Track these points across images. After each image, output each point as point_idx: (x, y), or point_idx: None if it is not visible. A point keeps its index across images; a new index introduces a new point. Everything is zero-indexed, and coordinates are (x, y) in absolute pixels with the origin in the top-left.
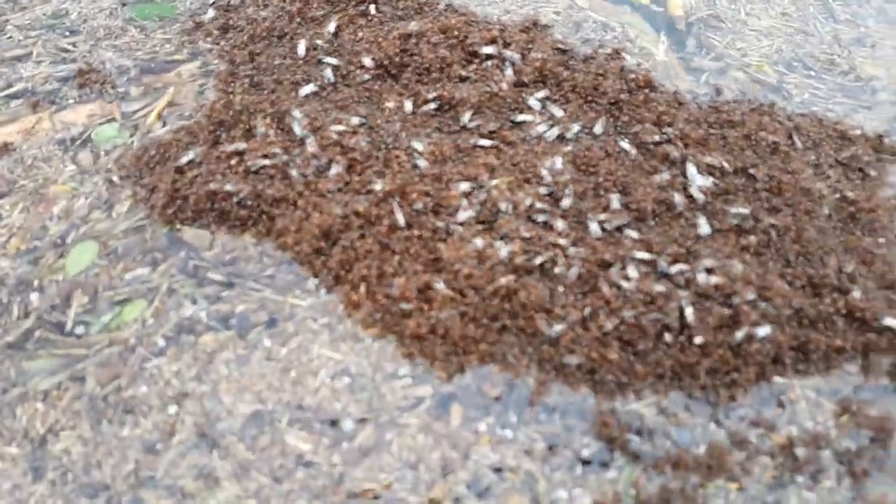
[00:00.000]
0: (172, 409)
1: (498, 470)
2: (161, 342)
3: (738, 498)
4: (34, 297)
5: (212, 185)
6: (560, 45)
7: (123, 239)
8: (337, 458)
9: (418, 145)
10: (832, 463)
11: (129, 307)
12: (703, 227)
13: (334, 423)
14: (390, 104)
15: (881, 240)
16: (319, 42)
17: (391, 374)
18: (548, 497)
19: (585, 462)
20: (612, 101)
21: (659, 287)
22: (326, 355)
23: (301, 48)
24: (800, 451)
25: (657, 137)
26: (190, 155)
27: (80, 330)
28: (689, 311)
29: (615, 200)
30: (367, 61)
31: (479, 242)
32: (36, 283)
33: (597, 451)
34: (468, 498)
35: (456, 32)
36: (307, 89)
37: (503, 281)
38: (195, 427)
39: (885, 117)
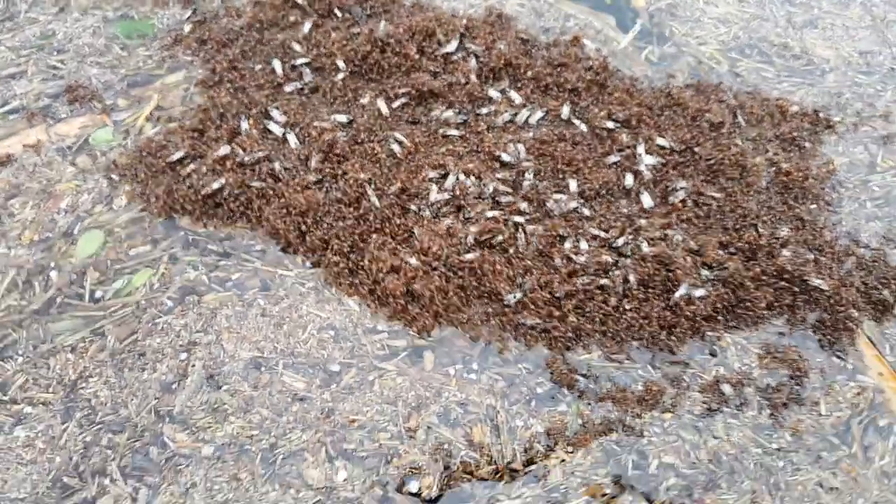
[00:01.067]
0: (183, 355)
1: (464, 404)
2: (168, 302)
3: (672, 425)
4: (53, 274)
5: (203, 188)
6: (522, 36)
7: (125, 228)
8: (327, 395)
9: (394, 136)
10: (754, 397)
11: (137, 275)
12: (647, 201)
13: (323, 367)
14: (364, 100)
15: (812, 206)
16: (295, 47)
17: (370, 328)
18: (507, 425)
19: (539, 398)
20: (571, 87)
21: (606, 257)
22: (313, 313)
23: (276, 64)
24: (726, 388)
25: (610, 123)
26: (179, 154)
27: (96, 296)
28: (632, 278)
29: (572, 183)
30: (340, 63)
31: (447, 222)
32: (52, 264)
33: (549, 389)
34: (439, 426)
35: (423, 29)
36: (287, 88)
37: (469, 257)
38: (204, 369)
39: (828, 93)
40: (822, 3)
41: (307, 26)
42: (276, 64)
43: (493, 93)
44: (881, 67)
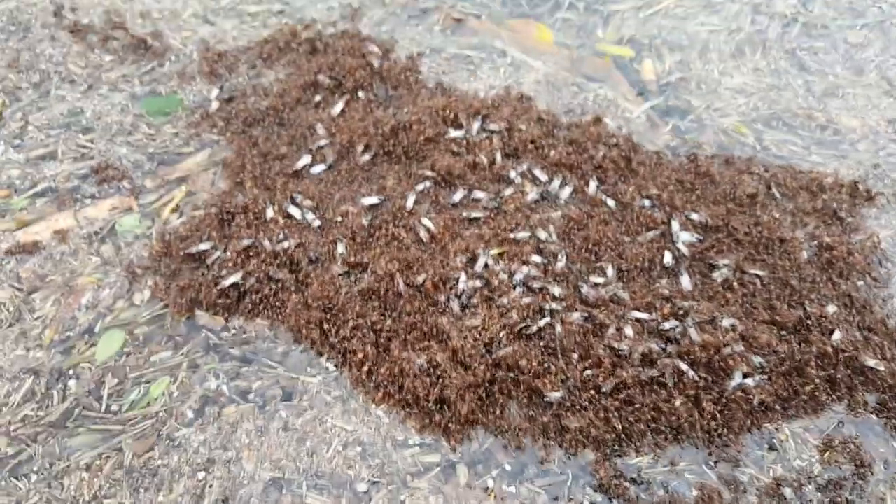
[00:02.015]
0: (201, 475)
1: None
2: (189, 413)
3: None
4: (72, 383)
5: (223, 281)
6: (542, 115)
7: (146, 327)
8: None
9: (420, 221)
10: (815, 494)
11: (155, 385)
12: (686, 283)
13: (349, 486)
14: (389, 183)
15: (860, 283)
16: (319, 129)
17: (401, 442)
18: None
19: None
20: (597, 165)
21: (652, 345)
22: (339, 426)
23: (304, 155)
24: (786, 490)
25: (641, 199)
26: (202, 247)
27: (114, 408)
28: (683, 366)
29: (608, 265)
30: (361, 147)
31: (480, 313)
32: (71, 371)
33: (597, 502)
34: None
35: (445, 111)
36: (314, 170)
37: (503, 352)
38: (221, 491)
39: (862, 165)
40: (836, 68)
41: (336, 108)
42: (302, 147)
43: (517, 173)
44: None
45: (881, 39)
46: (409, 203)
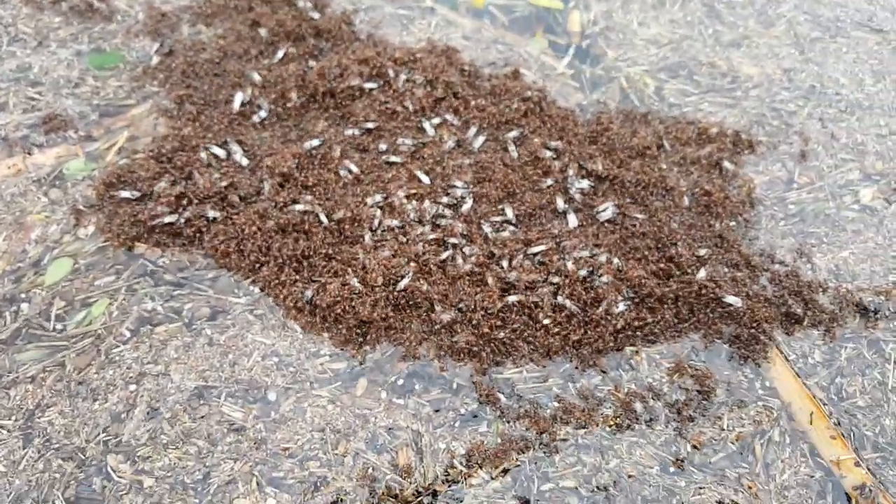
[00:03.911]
0: (133, 387)
1: (391, 429)
2: (126, 333)
3: (585, 440)
4: (24, 306)
5: (159, 219)
6: (465, 67)
7: (91, 257)
8: (261, 424)
9: (344, 164)
10: (662, 410)
11: (97, 305)
12: (572, 221)
13: (263, 394)
14: (319, 128)
15: (732, 223)
16: (255, 77)
17: (314, 353)
18: (430, 448)
19: (462, 418)
20: (510, 117)
21: (535, 276)
22: (259, 340)
23: (236, 98)
24: (637, 405)
25: (546, 151)
26: (133, 193)
27: (59, 327)
28: (559, 297)
29: (507, 208)
30: (294, 95)
31: (390, 245)
32: (23, 295)
33: (473, 409)
34: (366, 452)
35: (373, 62)
36: (248, 116)
37: (404, 282)
38: (150, 401)
39: (748, 113)
40: (749, 21)
41: (272, 60)
42: (237, 96)
43: (435, 121)
44: (802, 84)
45: None
46: (336, 152)
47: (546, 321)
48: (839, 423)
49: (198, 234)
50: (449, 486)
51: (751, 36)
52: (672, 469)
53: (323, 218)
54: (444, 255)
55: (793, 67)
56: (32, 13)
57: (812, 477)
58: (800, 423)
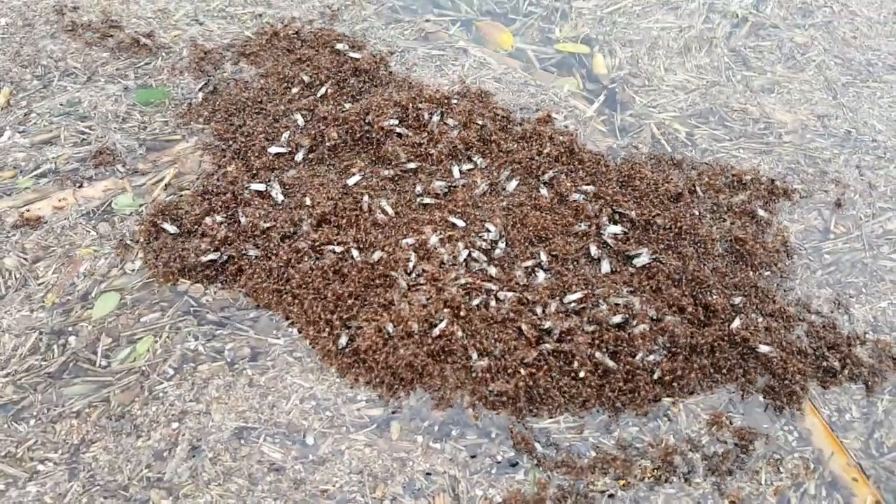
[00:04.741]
0: (175, 424)
1: (428, 474)
2: (169, 370)
3: (623, 493)
4: (72, 339)
5: (202, 257)
6: (498, 111)
7: (137, 293)
8: (300, 465)
9: (383, 204)
10: (700, 462)
11: (141, 343)
12: (605, 267)
13: (301, 436)
14: (355, 168)
15: (766, 273)
16: (297, 117)
17: (350, 398)
18: (467, 495)
19: (500, 466)
20: (542, 161)
21: (571, 323)
22: (297, 382)
23: (281, 138)
24: (675, 458)
25: (577, 195)
26: (170, 229)
27: (104, 363)
28: (597, 354)
29: (542, 253)
30: (333, 135)
31: (425, 289)
32: (71, 329)
33: (509, 457)
34: (404, 497)
35: (409, 105)
36: (289, 154)
37: (439, 328)
38: (191, 439)
39: (782, 160)
40: (776, 67)
41: (311, 99)
42: (281, 137)
43: (469, 165)
44: (837, 130)
45: (826, 39)
46: (372, 192)
47: (582, 373)
48: (877, 479)
49: (238, 273)
50: None
51: (780, 81)
52: None
53: (356, 256)
54: (477, 301)
55: (826, 113)
56: (81, 48)
57: None
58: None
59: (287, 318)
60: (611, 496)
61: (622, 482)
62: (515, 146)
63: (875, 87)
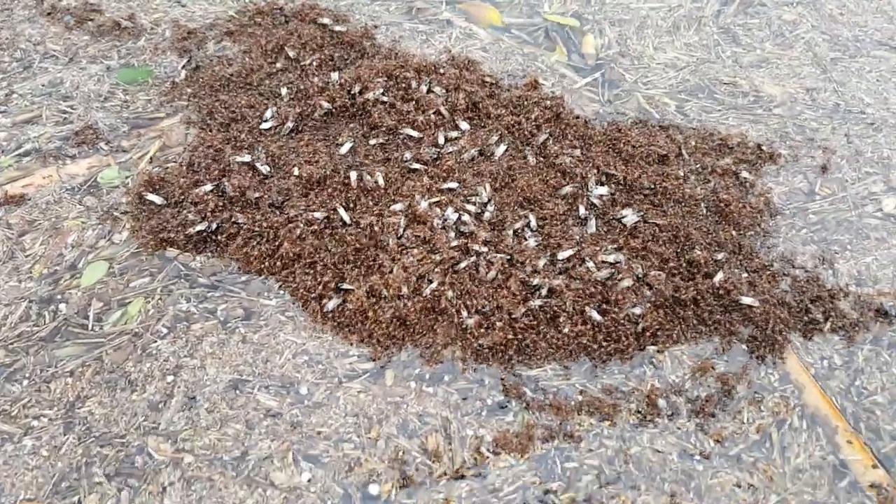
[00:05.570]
0: (170, 378)
1: (421, 416)
2: (163, 329)
3: (609, 431)
4: (62, 306)
5: (190, 228)
6: (485, 78)
7: (126, 262)
8: (296, 410)
9: (373, 174)
10: (684, 405)
11: (133, 304)
12: (591, 227)
13: (295, 387)
14: (344, 137)
15: (749, 233)
16: (282, 90)
17: (342, 352)
18: (458, 434)
19: (489, 408)
20: (530, 126)
21: (557, 281)
22: (290, 339)
23: (267, 112)
24: (659, 401)
25: (564, 157)
26: (160, 200)
27: (96, 326)
28: (581, 304)
29: (530, 215)
30: (320, 107)
31: (415, 252)
32: (60, 297)
33: (499, 400)
34: (398, 437)
35: (396, 74)
36: (276, 126)
37: (430, 288)
38: (186, 391)
39: (774, 129)
40: (765, 44)
41: (296, 73)
42: (267, 112)
43: (457, 131)
44: (826, 102)
45: (813, 16)
46: (361, 160)
47: (567, 328)
48: (857, 422)
49: (228, 240)
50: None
51: (769, 58)
52: (695, 456)
53: (345, 217)
54: (467, 262)
55: (815, 87)
56: (60, 32)
57: (824, 459)
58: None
59: (277, 282)
60: (595, 436)
61: (607, 423)
62: (503, 111)
63: (863, 61)
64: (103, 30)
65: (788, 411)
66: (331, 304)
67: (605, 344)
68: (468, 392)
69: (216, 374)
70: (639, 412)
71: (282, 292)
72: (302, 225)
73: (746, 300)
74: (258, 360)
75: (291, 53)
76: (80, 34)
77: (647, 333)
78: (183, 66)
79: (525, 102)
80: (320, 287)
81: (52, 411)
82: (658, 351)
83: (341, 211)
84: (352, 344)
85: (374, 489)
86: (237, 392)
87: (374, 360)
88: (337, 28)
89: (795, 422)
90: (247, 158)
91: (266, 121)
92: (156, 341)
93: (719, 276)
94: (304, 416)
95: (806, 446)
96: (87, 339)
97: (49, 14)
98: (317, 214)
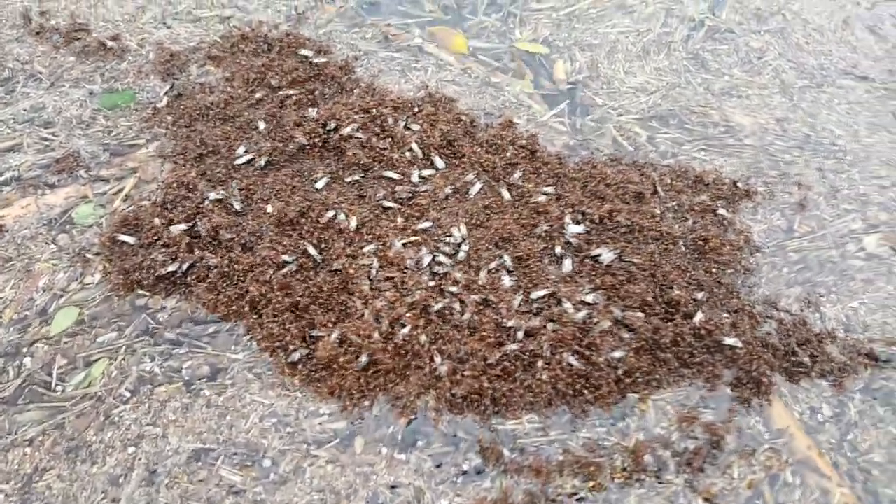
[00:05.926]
0: (131, 449)
1: (393, 487)
2: (126, 394)
3: (593, 494)
4: (27, 360)
5: (161, 269)
6: (461, 116)
7: (96, 307)
8: (259, 487)
9: (346, 215)
10: (672, 460)
11: (97, 366)
12: (567, 267)
13: (260, 457)
14: (319, 174)
15: (729, 271)
16: (260, 124)
17: (312, 412)
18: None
19: (465, 473)
20: (505, 164)
21: (533, 322)
22: (257, 400)
23: (240, 149)
24: (646, 457)
25: (540, 196)
26: (132, 240)
27: (59, 388)
28: (558, 349)
29: (505, 255)
30: (296, 141)
31: (388, 295)
32: (26, 350)
33: (476, 464)
34: None
35: (373, 111)
36: (250, 161)
37: (403, 332)
38: (147, 463)
39: (744, 162)
40: (733, 70)
41: (275, 105)
42: (240, 148)
43: (431, 170)
44: (797, 133)
45: (780, 44)
46: (335, 199)
47: (545, 375)
48: (853, 479)
49: (198, 283)
50: None
51: (738, 85)
52: None
53: (317, 257)
54: (441, 304)
55: (785, 117)
56: (48, 52)
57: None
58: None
59: (247, 331)
60: (580, 500)
61: (591, 484)
62: (479, 150)
63: (831, 91)
64: (88, 50)
65: (781, 465)
66: (297, 355)
67: (584, 391)
68: (442, 458)
69: (178, 443)
70: (624, 469)
71: (250, 344)
72: (271, 270)
73: (729, 340)
74: (223, 425)
75: (273, 82)
76: (67, 54)
77: (628, 379)
78: (165, 93)
79: (500, 141)
80: (288, 336)
81: (9, 485)
82: (640, 399)
83: (311, 250)
84: (322, 399)
85: None
86: (199, 464)
87: (343, 411)
88: (317, 60)
89: (789, 477)
90: (220, 196)
91: (240, 156)
92: (118, 406)
93: (699, 317)
94: (267, 494)
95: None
96: (50, 401)
97: (38, 33)
98: (286, 258)
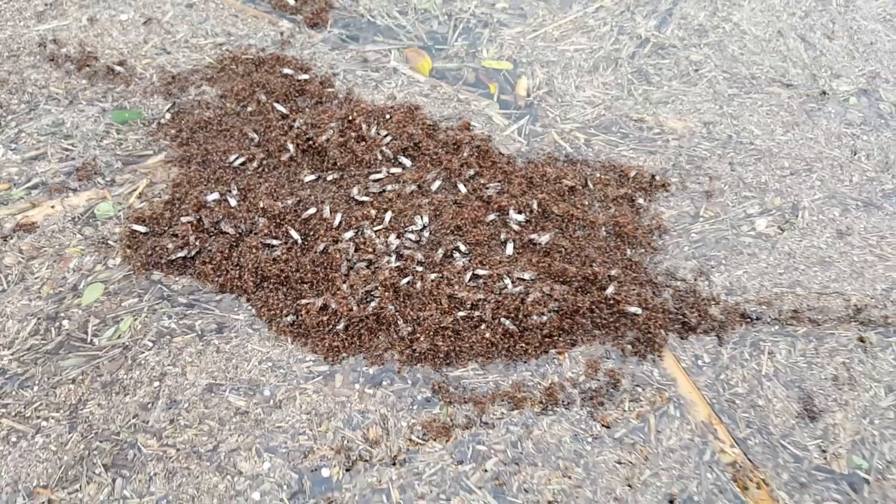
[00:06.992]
0: (156, 383)
1: (363, 412)
2: (149, 343)
3: (515, 418)
4: (65, 322)
5: (172, 255)
6: (425, 121)
7: (118, 284)
8: (260, 409)
9: (324, 207)
10: (577, 395)
11: (123, 322)
12: (509, 250)
13: (260, 389)
14: (305, 173)
15: (640, 250)
16: (251, 133)
17: (300, 358)
18: (395, 427)
19: (420, 403)
20: (461, 163)
21: (479, 295)
22: (256, 349)
23: (233, 156)
24: (559, 393)
25: (489, 190)
26: (140, 229)
27: (94, 340)
28: (498, 315)
29: (459, 241)
30: (287, 148)
31: (363, 273)
32: (63, 314)
33: (428, 396)
34: (343, 429)
35: (349, 119)
36: (246, 165)
37: (373, 304)
38: (170, 394)
39: (669, 159)
40: (672, 82)
41: (266, 117)
42: (233, 156)
43: (399, 168)
44: (720, 135)
45: (717, 56)
46: (318, 195)
47: (488, 334)
48: (721, 410)
49: (204, 265)
50: (408, 452)
51: (675, 94)
52: (585, 438)
53: (298, 238)
54: (405, 280)
55: (712, 121)
56: (62, 76)
57: (692, 441)
58: (688, 401)
59: (247, 301)
60: (506, 421)
61: (516, 412)
62: (440, 151)
63: (757, 97)
64: (99, 74)
65: (663, 400)
66: (288, 320)
67: (516, 347)
68: (402, 392)
69: (194, 379)
70: (541, 402)
71: (250, 308)
72: (264, 253)
73: (631, 309)
74: (230, 366)
75: (262, 98)
76: (79, 78)
77: (551, 339)
78: (168, 110)
79: (458, 143)
80: (281, 304)
81: (59, 413)
82: (559, 353)
83: (295, 235)
84: (308, 352)
85: (325, 472)
86: (212, 394)
87: (325, 360)
88: (300, 77)
89: (671, 410)
90: (217, 196)
91: (235, 161)
92: (143, 353)
93: (610, 289)
94: (266, 415)
95: (677, 430)
96: (86, 351)
97: (52, 59)
98: (275, 242)
